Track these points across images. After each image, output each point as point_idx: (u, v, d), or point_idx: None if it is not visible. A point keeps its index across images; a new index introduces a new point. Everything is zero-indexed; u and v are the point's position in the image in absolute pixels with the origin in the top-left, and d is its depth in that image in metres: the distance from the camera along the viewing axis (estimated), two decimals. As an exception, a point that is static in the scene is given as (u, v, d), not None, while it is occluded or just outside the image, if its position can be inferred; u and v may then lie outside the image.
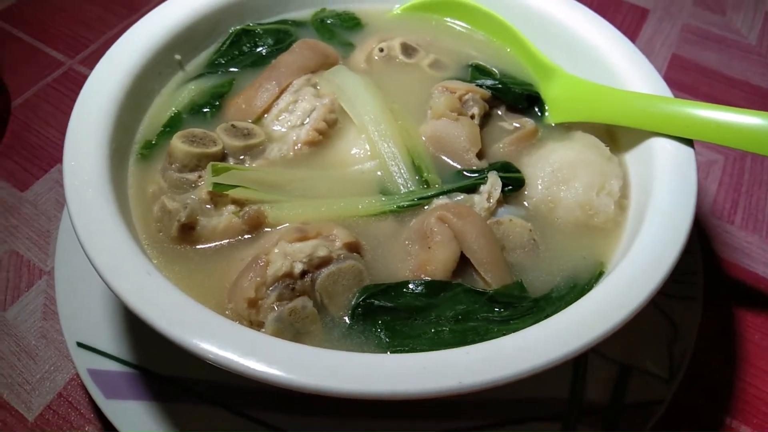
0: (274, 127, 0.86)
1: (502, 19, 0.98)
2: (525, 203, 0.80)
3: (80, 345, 0.81)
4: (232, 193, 0.75)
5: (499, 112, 0.90)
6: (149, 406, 0.77)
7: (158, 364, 0.80)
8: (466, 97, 0.87)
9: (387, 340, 0.67)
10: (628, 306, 0.62)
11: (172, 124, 0.86)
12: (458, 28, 1.04)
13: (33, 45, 1.34)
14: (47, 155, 1.13)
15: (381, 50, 0.96)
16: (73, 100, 0.78)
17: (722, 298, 0.97)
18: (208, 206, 0.75)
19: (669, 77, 1.33)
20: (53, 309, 0.93)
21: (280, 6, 1.02)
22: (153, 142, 0.83)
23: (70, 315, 0.83)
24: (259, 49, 0.97)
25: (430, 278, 0.71)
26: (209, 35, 0.96)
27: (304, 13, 1.04)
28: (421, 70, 0.96)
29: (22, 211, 1.06)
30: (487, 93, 0.88)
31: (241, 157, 0.82)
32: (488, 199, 0.77)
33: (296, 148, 0.83)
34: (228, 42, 0.96)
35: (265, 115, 0.87)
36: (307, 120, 0.85)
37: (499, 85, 0.90)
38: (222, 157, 0.80)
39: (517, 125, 0.88)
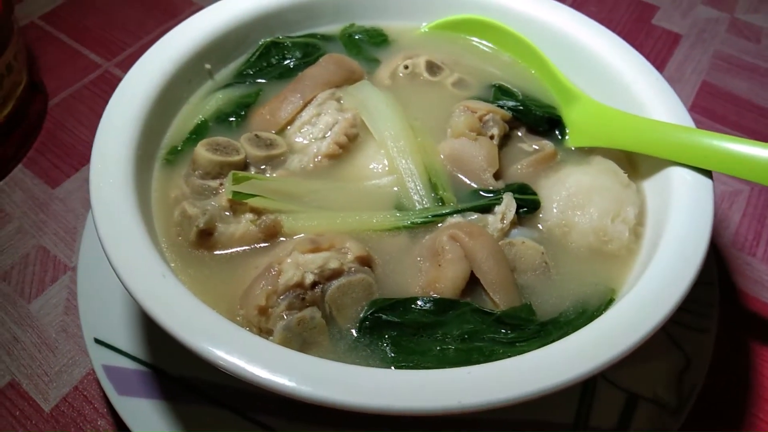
0: (297, 139, 0.88)
1: (528, 41, 0.99)
2: (539, 226, 0.80)
3: (97, 341, 0.83)
4: (251, 201, 0.76)
5: (519, 134, 0.91)
6: (160, 404, 0.79)
7: (170, 364, 0.82)
8: (487, 117, 0.87)
9: (392, 354, 0.67)
10: (633, 336, 0.62)
11: (198, 132, 0.88)
12: (484, 48, 1.05)
13: (72, 47, 1.38)
14: (79, 154, 1.17)
15: (406, 67, 0.98)
16: (107, 102, 0.80)
17: (738, 331, 0.96)
18: (227, 213, 0.77)
19: (698, 104, 1.32)
20: (75, 304, 0.96)
21: (311, 20, 1.04)
22: (179, 148, 0.86)
23: (89, 311, 0.86)
24: (286, 62, 0.99)
25: (438, 296, 0.71)
26: (239, 46, 0.98)
27: (334, 28, 1.06)
28: (444, 89, 0.97)
29: (52, 208, 1.09)
30: (508, 114, 0.89)
31: (263, 167, 0.84)
32: (502, 219, 0.77)
33: (316, 160, 0.85)
34: (257, 54, 0.99)
35: (289, 127, 0.89)
36: (329, 133, 0.87)
37: (521, 107, 0.90)
38: (244, 166, 0.82)
39: (537, 147, 0.88)
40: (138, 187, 0.76)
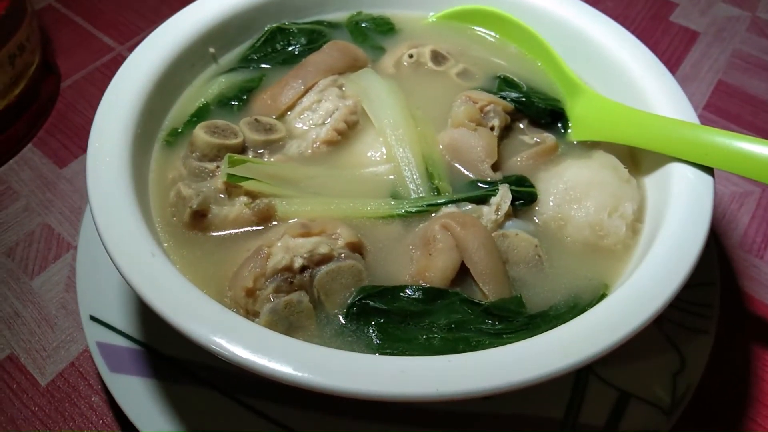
0: (297, 125, 0.88)
1: (535, 32, 0.97)
2: (535, 218, 0.80)
3: (93, 318, 0.84)
4: (246, 185, 0.77)
5: (521, 126, 0.90)
6: (151, 383, 0.79)
7: (163, 343, 0.83)
8: (488, 108, 0.87)
9: (378, 341, 0.67)
10: (621, 331, 0.61)
11: (200, 115, 0.89)
12: (491, 39, 1.04)
13: (87, 30, 1.40)
14: (87, 136, 1.17)
15: (411, 56, 0.97)
16: (116, 84, 0.81)
17: (740, 335, 0.94)
18: (222, 196, 0.78)
19: (712, 103, 1.30)
20: (75, 282, 0.97)
21: (318, 7, 1.04)
22: (179, 130, 0.86)
23: (86, 289, 0.87)
24: (291, 48, 0.99)
25: (427, 284, 0.71)
26: (245, 31, 0.99)
27: (341, 15, 1.05)
28: (448, 78, 0.96)
29: (59, 187, 1.11)
30: (510, 105, 0.88)
31: (260, 151, 0.84)
32: (496, 211, 0.77)
33: (315, 146, 0.85)
34: (263, 39, 0.99)
35: (289, 113, 0.89)
36: (329, 120, 0.87)
37: (523, 99, 0.89)
38: (242, 149, 0.83)
39: (538, 140, 0.87)
40: (135, 166, 0.77)
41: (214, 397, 0.79)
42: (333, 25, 1.04)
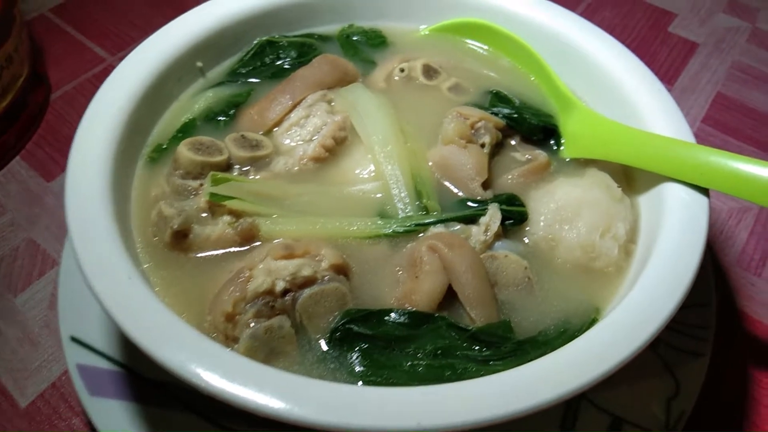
0: (284, 141, 0.86)
1: (529, 46, 0.96)
2: (525, 239, 0.78)
3: (73, 339, 0.82)
4: (229, 204, 0.75)
5: (513, 142, 0.88)
6: (131, 407, 0.77)
7: (145, 366, 0.81)
8: (479, 124, 0.85)
9: (361, 368, 0.65)
10: (609, 361, 0.59)
11: (186, 130, 0.87)
12: (483, 52, 1.02)
13: (78, 40, 1.38)
14: (76, 148, 1.16)
15: (402, 70, 0.96)
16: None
17: (736, 355, 0.92)
18: (205, 215, 0.76)
19: (710, 116, 1.27)
20: (59, 300, 0.95)
21: (309, 19, 1.03)
22: (164, 147, 0.85)
23: (68, 308, 0.85)
24: (280, 61, 0.97)
25: (414, 308, 0.69)
26: (234, 44, 0.97)
27: (332, 28, 1.04)
28: (439, 93, 0.94)
29: (45, 201, 1.09)
30: (502, 122, 0.86)
31: (246, 168, 0.82)
32: (485, 231, 0.75)
33: (302, 162, 0.83)
34: (252, 52, 0.97)
35: (276, 128, 0.87)
36: (317, 136, 0.85)
37: (515, 115, 0.87)
38: (226, 166, 0.81)
39: (530, 157, 0.85)
40: (117, 184, 0.75)
41: (195, 421, 0.77)
42: (324, 38, 1.02)
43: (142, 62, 0.86)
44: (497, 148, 0.87)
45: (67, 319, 0.84)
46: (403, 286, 0.71)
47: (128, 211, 0.77)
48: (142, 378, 0.80)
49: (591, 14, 1.48)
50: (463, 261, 0.69)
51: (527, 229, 0.78)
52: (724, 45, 1.43)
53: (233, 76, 0.95)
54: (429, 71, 0.96)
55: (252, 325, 0.65)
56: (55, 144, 1.18)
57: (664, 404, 0.78)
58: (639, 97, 0.85)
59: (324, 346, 0.67)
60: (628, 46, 0.92)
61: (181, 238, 0.73)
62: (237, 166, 0.82)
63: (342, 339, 0.67)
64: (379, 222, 0.77)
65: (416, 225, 0.76)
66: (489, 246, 0.75)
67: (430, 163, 0.83)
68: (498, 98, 0.92)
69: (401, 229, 0.76)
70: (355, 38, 1.02)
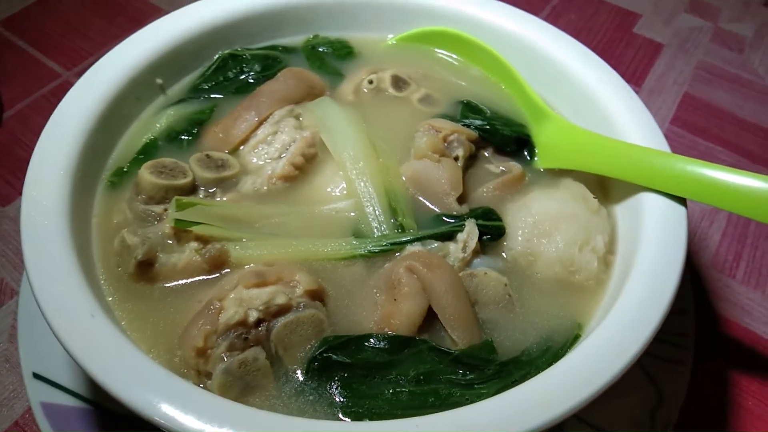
0: (251, 159, 0.83)
1: (499, 55, 0.94)
2: (504, 254, 0.76)
3: (36, 376, 0.78)
4: (196, 229, 0.72)
5: (486, 154, 0.86)
6: (100, 445, 0.74)
7: (113, 401, 0.77)
8: (452, 137, 0.83)
9: (341, 399, 0.63)
10: (596, 383, 0.58)
11: (147, 152, 0.83)
12: (453, 61, 1.00)
13: (32, 55, 1.33)
14: (32, 170, 1.11)
15: (370, 82, 0.93)
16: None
17: (716, 359, 0.92)
18: (171, 242, 0.72)
19: (679, 117, 1.28)
20: (19, 332, 0.91)
21: (272, 31, 0.99)
22: (124, 170, 0.81)
23: (29, 342, 0.81)
24: (244, 76, 0.94)
25: (393, 333, 0.67)
26: (195, 59, 0.93)
27: (296, 39, 1.01)
28: (410, 105, 0.92)
29: (2, 227, 1.04)
30: (474, 134, 0.84)
31: (212, 190, 0.79)
32: (463, 248, 0.73)
33: (271, 182, 0.80)
34: (214, 67, 0.94)
35: (242, 146, 0.84)
36: (285, 153, 0.82)
37: (487, 126, 0.86)
38: (192, 189, 0.78)
39: (504, 169, 0.84)
40: (76, 211, 0.72)
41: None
42: (288, 50, 0.99)
43: (98, 82, 0.82)
44: (471, 161, 0.85)
45: (29, 355, 0.80)
46: (381, 309, 0.69)
47: (89, 240, 0.73)
48: (112, 414, 0.77)
49: (556, 18, 1.48)
50: (442, 282, 0.67)
51: (505, 244, 0.76)
52: (688, 45, 1.44)
53: (195, 92, 0.92)
54: (398, 82, 0.94)
55: (225, 359, 0.62)
56: (9, 166, 1.13)
57: (648, 415, 0.77)
58: (612, 105, 0.84)
59: (301, 378, 0.65)
60: (594, 48, 0.91)
61: (146, 268, 0.70)
62: (202, 188, 0.79)
63: (320, 369, 0.64)
64: (354, 242, 0.74)
65: (392, 244, 0.74)
66: (467, 263, 0.73)
67: (404, 179, 0.81)
68: (469, 109, 0.90)
69: (377, 249, 0.74)
70: (321, 49, 0.99)
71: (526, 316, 0.71)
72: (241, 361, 0.62)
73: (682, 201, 0.72)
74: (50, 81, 1.28)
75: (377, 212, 0.76)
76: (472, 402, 0.59)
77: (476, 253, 0.74)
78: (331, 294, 0.71)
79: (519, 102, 0.92)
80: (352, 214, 0.77)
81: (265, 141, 0.84)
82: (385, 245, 0.74)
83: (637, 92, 1.19)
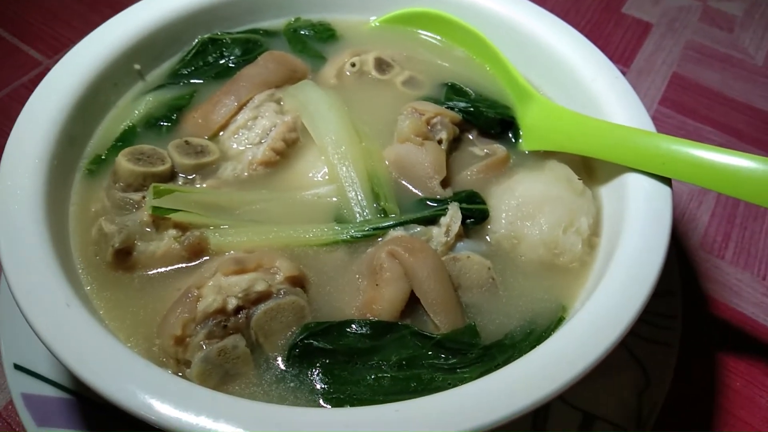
0: (231, 145, 0.82)
1: (482, 35, 0.93)
2: (487, 238, 0.75)
3: (17, 367, 0.77)
4: (174, 217, 0.70)
5: (470, 137, 0.85)
6: (82, 436, 0.73)
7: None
8: (435, 120, 0.82)
9: (323, 386, 0.62)
10: (579, 364, 0.57)
11: (125, 139, 0.82)
12: (436, 43, 0.99)
13: (11, 43, 1.31)
14: (13, 159, 1.10)
15: (353, 65, 0.92)
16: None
17: (704, 340, 0.91)
18: (149, 229, 0.71)
19: (668, 97, 1.27)
20: (1, 324, 0.89)
21: (253, 14, 0.98)
22: (102, 157, 0.80)
23: (10, 333, 0.80)
24: (224, 60, 0.92)
25: (375, 318, 0.66)
26: (174, 44, 0.92)
27: (278, 23, 0.99)
28: (393, 88, 0.91)
29: (-18, 218, 1.02)
30: (458, 116, 0.83)
31: (192, 176, 0.78)
32: (446, 232, 0.72)
33: (251, 168, 0.79)
34: (193, 51, 0.92)
35: (222, 132, 0.83)
36: (265, 138, 0.81)
37: (471, 108, 0.85)
38: (170, 176, 0.76)
39: (488, 151, 0.83)
40: (53, 200, 0.70)
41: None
42: (270, 34, 0.98)
43: (75, 68, 0.81)
44: (455, 144, 0.84)
45: (9, 345, 0.79)
46: (363, 295, 0.68)
47: (66, 230, 0.72)
48: (94, 404, 0.76)
49: (544, -3, 1.46)
50: (424, 266, 0.67)
51: (489, 227, 0.75)
52: (677, 24, 1.42)
53: (174, 77, 0.90)
54: (381, 65, 0.92)
55: (204, 347, 0.61)
56: (-10, 156, 1.11)
57: (635, 397, 0.77)
58: (597, 86, 0.83)
59: (282, 365, 0.64)
60: (581, 29, 0.90)
61: (124, 257, 0.69)
62: (182, 175, 0.77)
63: (301, 355, 0.64)
64: (336, 227, 0.73)
65: (374, 229, 0.73)
66: (451, 247, 0.72)
67: (387, 163, 0.80)
68: (453, 91, 0.89)
69: (359, 234, 0.73)
70: (302, 32, 0.98)
71: (509, 299, 0.71)
72: (221, 349, 0.61)
73: (667, 181, 0.71)
74: (31, 69, 1.26)
75: (359, 197, 0.75)
76: (454, 386, 0.58)
77: (459, 237, 0.73)
78: (312, 280, 0.70)
79: (504, 83, 0.91)
80: (334, 199, 0.76)
81: (246, 126, 0.82)
82: (368, 230, 0.73)
83: (625, 73, 1.19)
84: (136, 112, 0.85)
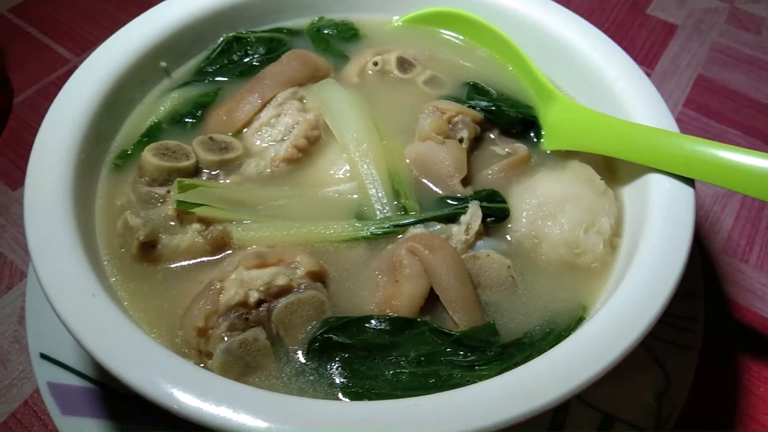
0: (254, 142, 0.83)
1: (505, 35, 0.93)
2: (508, 237, 0.75)
3: (43, 356, 0.79)
4: (198, 211, 0.72)
5: (492, 136, 0.85)
6: (106, 425, 0.74)
7: (119, 381, 0.77)
8: (456, 119, 0.82)
9: (342, 380, 0.63)
10: (598, 364, 0.57)
11: (151, 134, 0.83)
12: (458, 42, 0.99)
13: (41, 41, 1.33)
14: (41, 154, 1.12)
15: (375, 64, 0.92)
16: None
17: (727, 345, 0.90)
18: (173, 223, 0.72)
19: (692, 99, 1.26)
20: (27, 314, 0.91)
21: (277, 13, 0.99)
22: (128, 153, 0.81)
23: (37, 323, 0.82)
24: (248, 59, 0.93)
25: (395, 314, 0.66)
26: (199, 42, 0.93)
27: (301, 22, 1.00)
28: (415, 87, 0.91)
29: (11, 211, 1.05)
30: (480, 115, 0.83)
31: (215, 172, 0.79)
32: (466, 231, 0.72)
33: (274, 164, 0.80)
34: (218, 50, 0.93)
35: (246, 129, 0.84)
36: (288, 136, 0.82)
37: (493, 107, 0.85)
38: (194, 171, 0.78)
39: (509, 151, 0.83)
40: (80, 194, 0.72)
41: (174, 437, 0.74)
42: (293, 33, 0.99)
43: (102, 65, 0.82)
44: (476, 143, 0.84)
45: (36, 335, 0.81)
46: (383, 291, 0.69)
47: (93, 223, 0.74)
48: (118, 394, 0.77)
49: (568, -1, 1.45)
50: (444, 263, 0.67)
51: (509, 226, 0.75)
52: (703, 26, 1.41)
53: (199, 75, 0.92)
54: (403, 64, 0.93)
55: (225, 339, 0.62)
56: (20, 151, 1.14)
57: (654, 399, 0.76)
58: (620, 85, 0.82)
59: (302, 358, 0.64)
60: (606, 30, 0.89)
61: (148, 250, 0.70)
62: (206, 171, 0.78)
63: (321, 349, 0.64)
64: (357, 224, 0.74)
65: (395, 226, 0.73)
66: (471, 246, 0.72)
67: (407, 161, 0.80)
68: (475, 90, 0.89)
69: (379, 231, 0.73)
70: (326, 31, 0.99)
71: (529, 298, 0.71)
72: (242, 341, 0.62)
73: (690, 182, 0.71)
74: (60, 67, 1.29)
75: (380, 194, 0.76)
76: (473, 383, 0.58)
77: (480, 235, 0.74)
78: (332, 276, 0.71)
79: (526, 83, 0.91)
80: (355, 196, 0.77)
81: (269, 123, 0.83)
82: (388, 227, 0.73)
83: (649, 75, 1.18)
84: (162, 108, 0.86)
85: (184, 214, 0.72)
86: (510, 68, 0.94)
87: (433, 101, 0.85)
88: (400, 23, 1.01)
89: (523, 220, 0.74)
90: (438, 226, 0.73)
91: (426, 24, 1.00)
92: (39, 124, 1.17)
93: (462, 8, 0.97)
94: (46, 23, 1.37)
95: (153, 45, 0.87)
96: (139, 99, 0.87)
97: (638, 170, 0.75)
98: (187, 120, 0.85)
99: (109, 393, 0.77)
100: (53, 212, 0.67)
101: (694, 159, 0.69)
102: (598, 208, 0.74)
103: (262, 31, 0.97)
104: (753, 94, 1.27)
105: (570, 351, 0.59)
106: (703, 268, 0.96)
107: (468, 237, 0.72)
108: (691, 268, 0.86)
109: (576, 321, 0.68)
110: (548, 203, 0.74)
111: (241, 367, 0.63)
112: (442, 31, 1.00)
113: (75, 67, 1.26)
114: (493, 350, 0.65)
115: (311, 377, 0.63)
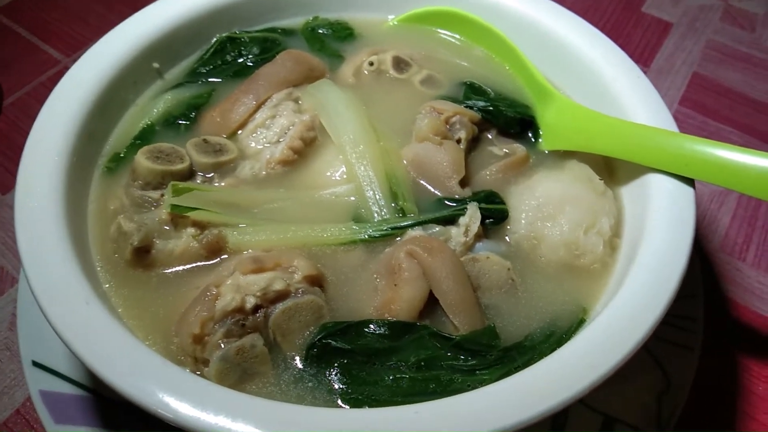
0: (249, 144, 0.81)
1: (502, 34, 0.92)
2: (507, 238, 0.74)
3: (35, 364, 0.78)
4: (193, 215, 0.70)
5: (490, 136, 0.84)
6: (100, 433, 0.73)
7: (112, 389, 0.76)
8: (454, 119, 0.81)
9: (341, 386, 0.62)
10: (600, 368, 0.56)
11: (144, 137, 0.82)
12: (455, 42, 0.98)
13: (31, 41, 1.32)
14: (32, 157, 1.10)
15: (371, 64, 0.91)
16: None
17: (725, 343, 0.90)
18: (168, 227, 0.71)
19: (688, 98, 1.25)
20: (19, 321, 0.90)
21: (271, 13, 0.98)
22: (121, 155, 0.80)
23: (29, 330, 0.80)
24: (242, 59, 0.92)
25: (394, 318, 0.65)
26: (192, 42, 0.92)
27: (296, 21, 0.99)
28: (411, 87, 0.90)
29: (2, 215, 1.04)
30: (477, 115, 0.83)
31: (210, 175, 0.78)
32: (465, 233, 0.71)
33: (269, 167, 0.79)
34: (212, 50, 0.92)
35: (240, 131, 0.82)
36: (284, 137, 0.81)
37: (491, 107, 0.84)
38: (188, 174, 0.76)
39: (507, 151, 0.82)
40: (72, 198, 0.71)
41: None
42: (287, 33, 0.97)
43: (94, 66, 0.81)
44: (473, 143, 0.83)
45: (28, 342, 0.80)
46: (381, 295, 0.68)
47: (85, 227, 0.72)
48: (112, 402, 0.76)
49: (563, -4, 1.44)
50: (443, 266, 0.66)
51: (508, 227, 0.75)
52: (698, 24, 1.41)
53: (193, 76, 0.90)
54: (400, 64, 0.92)
55: (222, 346, 0.61)
56: (9, 154, 1.12)
57: (655, 400, 0.76)
58: (618, 85, 0.82)
59: (300, 364, 0.63)
60: (601, 28, 0.88)
61: (142, 255, 0.69)
62: (200, 174, 0.77)
63: (319, 355, 0.63)
64: (354, 227, 0.73)
65: (393, 228, 0.72)
66: (470, 248, 0.72)
67: (405, 162, 0.79)
68: (472, 90, 0.89)
69: (377, 234, 0.72)
70: (320, 31, 0.98)
71: (529, 300, 0.70)
72: (239, 347, 0.61)
73: (690, 182, 0.70)
74: (50, 68, 1.27)
75: (377, 196, 0.75)
76: (473, 388, 0.57)
77: (479, 237, 0.73)
78: (330, 280, 0.70)
79: (523, 82, 0.90)
80: (352, 198, 0.76)
81: (264, 125, 0.82)
82: (386, 230, 0.72)
83: (645, 72, 1.17)
84: (155, 110, 0.85)
85: (178, 218, 0.71)
86: (507, 67, 0.93)
87: (430, 101, 0.84)
88: (396, 22, 1.00)
89: (522, 221, 0.74)
90: (436, 229, 0.72)
91: (422, 23, 0.99)
92: (30, 127, 1.15)
93: (458, 7, 0.96)
94: (35, 24, 1.35)
95: (145, 46, 0.85)
96: (131, 100, 0.85)
97: (637, 170, 0.75)
98: (180, 122, 0.84)
99: (103, 401, 0.76)
100: (45, 217, 0.66)
101: (695, 159, 0.69)
102: (598, 208, 0.73)
103: (256, 31, 0.95)
104: (748, 92, 1.26)
105: (572, 355, 0.58)
106: (701, 267, 0.95)
107: (467, 239, 0.71)
108: (690, 268, 0.85)
109: (577, 323, 0.67)
110: (547, 204, 0.73)
111: (239, 375, 0.61)
112: (439, 30, 0.99)
113: (65, 68, 1.25)
114: (494, 354, 0.64)
115: (310, 384, 0.62)
